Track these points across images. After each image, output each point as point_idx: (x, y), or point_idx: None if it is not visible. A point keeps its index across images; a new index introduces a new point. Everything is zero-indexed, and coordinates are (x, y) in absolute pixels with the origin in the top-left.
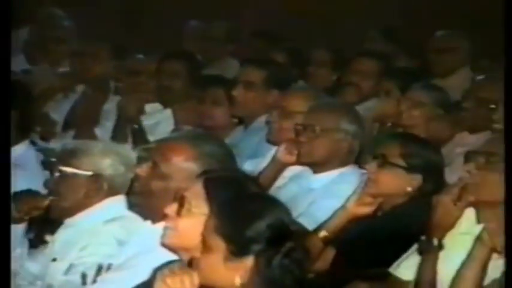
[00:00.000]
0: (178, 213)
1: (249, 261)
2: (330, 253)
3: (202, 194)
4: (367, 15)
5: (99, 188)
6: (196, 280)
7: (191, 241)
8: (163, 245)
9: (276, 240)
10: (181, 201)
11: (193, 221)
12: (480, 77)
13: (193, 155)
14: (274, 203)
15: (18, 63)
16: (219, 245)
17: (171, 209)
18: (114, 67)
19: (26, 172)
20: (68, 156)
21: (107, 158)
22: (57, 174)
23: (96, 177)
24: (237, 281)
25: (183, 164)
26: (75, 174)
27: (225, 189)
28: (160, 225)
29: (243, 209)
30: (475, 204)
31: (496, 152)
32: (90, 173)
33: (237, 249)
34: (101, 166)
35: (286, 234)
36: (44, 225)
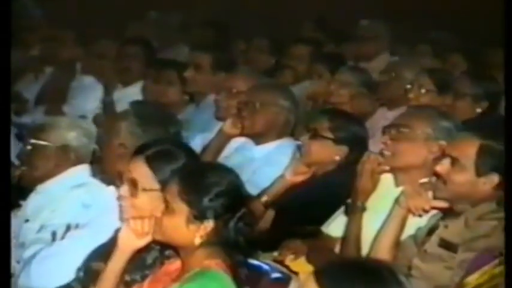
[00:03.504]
0: (133, 194)
1: (208, 224)
2: (270, 215)
3: (148, 172)
4: (303, 7)
5: (66, 158)
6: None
7: (147, 212)
8: (124, 219)
9: (231, 205)
10: (133, 183)
11: (147, 197)
12: (396, 59)
13: (138, 122)
14: (229, 172)
15: None
16: (182, 208)
17: (125, 191)
18: (80, 51)
19: None
20: (38, 130)
21: (72, 131)
22: (28, 147)
23: (64, 148)
24: (197, 240)
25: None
26: (45, 147)
27: (165, 162)
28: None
29: (203, 177)
30: (392, 171)
31: (406, 123)
32: (58, 144)
33: (199, 213)
34: (67, 138)
35: (239, 201)
36: (17, 191)
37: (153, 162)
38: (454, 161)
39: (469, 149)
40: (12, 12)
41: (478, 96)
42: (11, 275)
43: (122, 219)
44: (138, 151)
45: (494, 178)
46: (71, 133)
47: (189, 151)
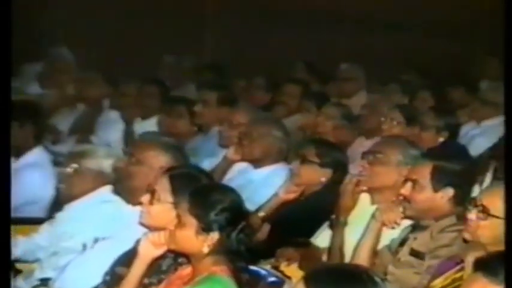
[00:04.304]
0: (151, 202)
1: (214, 235)
2: (266, 228)
3: (168, 188)
4: (294, 53)
5: (100, 181)
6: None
7: (160, 221)
8: (141, 224)
9: (233, 220)
10: (152, 193)
11: (162, 208)
12: (372, 97)
13: (158, 149)
14: (231, 192)
15: (33, 89)
16: (192, 222)
17: (145, 198)
18: (106, 90)
19: (41, 168)
20: (79, 156)
21: (107, 159)
22: (69, 169)
23: (99, 173)
24: (205, 249)
25: (152, 154)
26: (83, 170)
27: (186, 183)
28: (138, 208)
29: (209, 196)
30: (369, 191)
31: (381, 150)
32: (95, 168)
33: (206, 226)
34: (103, 165)
35: (240, 215)
36: (54, 205)
37: (175, 180)
38: (415, 183)
39: (424, 171)
40: (49, 58)
41: (440, 127)
42: (10, 275)
43: (140, 223)
44: (167, 170)
45: (450, 191)
46: (107, 161)
47: (206, 174)
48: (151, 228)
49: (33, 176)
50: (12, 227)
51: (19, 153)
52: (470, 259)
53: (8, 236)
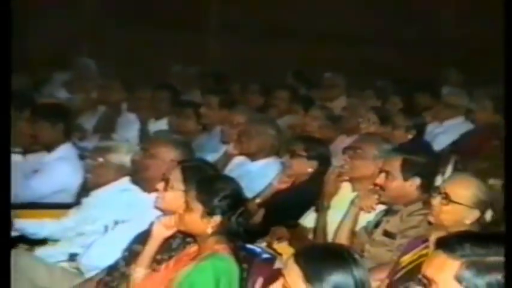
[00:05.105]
0: (165, 189)
1: (217, 218)
2: (261, 212)
3: (180, 177)
4: (284, 62)
5: (121, 173)
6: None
7: (172, 206)
8: (156, 207)
9: (233, 205)
10: (166, 181)
11: (174, 194)
12: (351, 101)
13: (169, 145)
14: (232, 181)
15: (62, 94)
16: (198, 207)
17: (160, 185)
18: (125, 95)
19: (70, 161)
20: (104, 151)
21: (129, 154)
22: (95, 162)
23: (121, 166)
24: (209, 230)
25: (163, 150)
26: (109, 163)
27: (195, 173)
28: (152, 195)
29: (213, 185)
30: (349, 180)
31: (359, 146)
32: (117, 163)
33: (210, 211)
34: (124, 160)
35: (239, 202)
36: (80, 193)
37: (185, 171)
38: (387, 174)
39: (395, 163)
40: (75, 67)
41: (409, 126)
42: (10, 273)
43: (155, 207)
44: (179, 162)
45: (417, 180)
46: (127, 155)
47: (212, 166)
48: (164, 212)
49: (62, 168)
50: (43, 211)
51: (50, 149)
52: (433, 238)
53: (8, 234)
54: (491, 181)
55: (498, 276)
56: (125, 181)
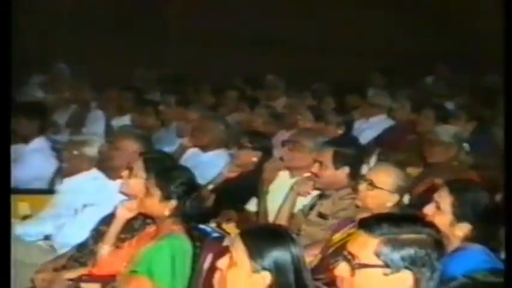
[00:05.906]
0: (129, 176)
1: (174, 202)
2: (213, 197)
3: (142, 166)
4: (233, 66)
5: (92, 163)
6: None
7: (135, 191)
8: (121, 192)
9: (188, 191)
10: (130, 170)
11: (137, 181)
12: (290, 101)
13: (131, 138)
14: (187, 170)
15: (38, 94)
16: (157, 193)
17: (125, 173)
18: (93, 94)
19: (43, 153)
20: (78, 144)
21: (96, 146)
22: (70, 154)
23: (93, 157)
24: (166, 213)
25: (127, 142)
26: (83, 155)
27: (155, 163)
28: (117, 182)
29: (170, 173)
30: (288, 169)
31: (297, 140)
32: (90, 155)
33: (167, 195)
34: (93, 151)
35: (193, 188)
36: (53, 181)
37: (147, 161)
38: (321, 163)
39: (328, 154)
40: (51, 70)
41: (339, 123)
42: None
43: (120, 192)
44: (141, 154)
45: (346, 169)
46: (95, 147)
47: (169, 157)
48: (128, 196)
49: (36, 158)
50: (21, 196)
51: (27, 141)
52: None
53: (8, 233)
54: (409, 170)
55: (411, 251)
56: (95, 170)
